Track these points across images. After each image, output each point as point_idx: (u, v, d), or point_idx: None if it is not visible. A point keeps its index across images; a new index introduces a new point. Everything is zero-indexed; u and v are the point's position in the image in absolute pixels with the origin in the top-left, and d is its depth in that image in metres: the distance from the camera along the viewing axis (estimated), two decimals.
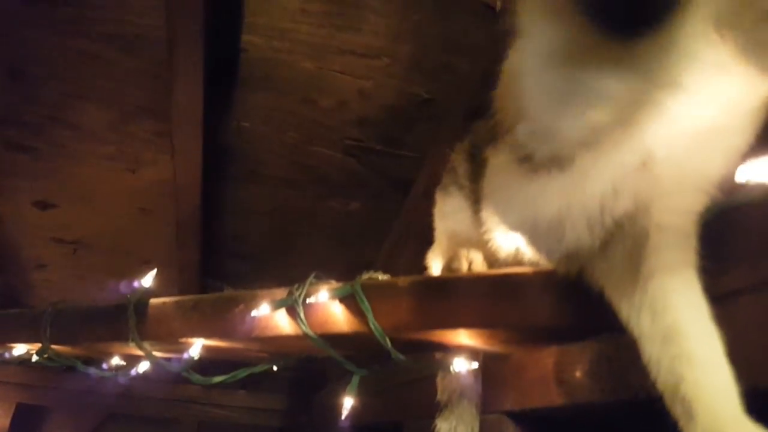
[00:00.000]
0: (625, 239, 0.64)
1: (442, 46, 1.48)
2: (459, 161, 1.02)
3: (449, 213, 1.03)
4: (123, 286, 1.15)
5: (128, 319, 1.11)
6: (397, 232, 1.94)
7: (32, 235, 2.10)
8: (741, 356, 0.55)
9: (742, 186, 0.51)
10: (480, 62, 1.44)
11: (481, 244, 0.94)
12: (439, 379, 1.03)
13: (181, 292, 2.18)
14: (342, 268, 2.17)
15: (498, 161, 0.72)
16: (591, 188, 0.63)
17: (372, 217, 2.01)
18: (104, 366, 1.36)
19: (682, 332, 0.59)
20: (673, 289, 0.61)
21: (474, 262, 0.90)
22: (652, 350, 0.60)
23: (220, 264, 2.27)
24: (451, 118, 1.60)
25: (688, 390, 0.56)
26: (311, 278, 0.98)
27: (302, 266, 2.23)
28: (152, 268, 2.33)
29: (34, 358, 1.27)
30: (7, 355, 1.31)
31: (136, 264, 2.25)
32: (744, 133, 0.58)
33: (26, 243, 2.14)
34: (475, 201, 0.95)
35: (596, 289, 0.68)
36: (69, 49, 1.51)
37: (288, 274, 2.28)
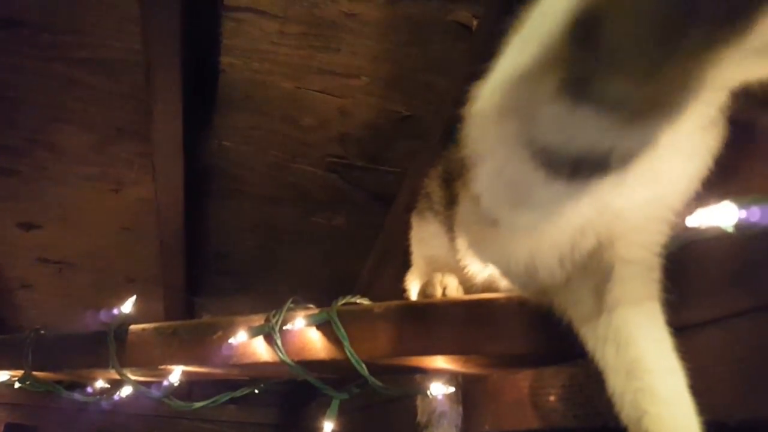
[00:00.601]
0: (591, 273, 0.66)
1: (420, 65, 1.49)
2: (433, 187, 1.03)
3: (425, 238, 1.04)
4: (103, 314, 1.15)
5: (108, 346, 1.12)
6: (381, 245, 1.95)
7: (17, 256, 2.09)
8: (703, 389, 0.56)
9: (695, 229, 0.52)
10: (457, 79, 1.45)
11: (458, 269, 0.95)
12: (418, 401, 1.04)
13: (166, 310, 2.19)
14: (327, 282, 2.20)
15: (468, 198, 0.72)
16: (559, 233, 0.64)
17: (356, 232, 2.02)
18: (88, 390, 1.37)
19: (645, 366, 0.60)
20: (636, 322, 0.62)
21: (449, 287, 0.91)
22: (616, 383, 0.62)
23: (204, 281, 2.27)
24: (430, 134, 1.62)
25: (651, 424, 0.57)
26: (288, 304, 0.99)
27: (287, 281, 2.26)
28: (137, 286, 2.33)
29: (17, 384, 1.27)
30: None
31: (121, 282, 2.25)
32: (698, 167, 0.60)
33: (11, 264, 2.13)
34: (450, 227, 0.97)
35: (565, 320, 0.69)
36: (48, 73, 1.50)
37: (272, 289, 2.30)
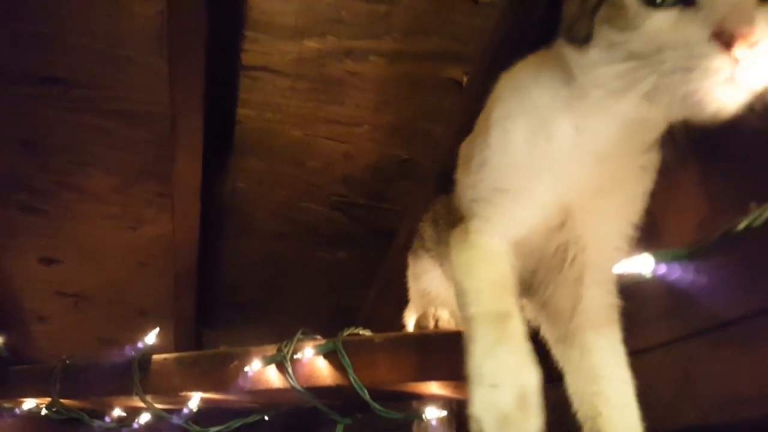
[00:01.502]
0: (566, 297, 0.78)
1: (417, 115, 1.63)
2: (425, 228, 1.16)
3: (419, 274, 1.16)
4: (128, 346, 1.25)
5: (132, 375, 1.22)
6: (383, 278, 2.06)
7: (36, 290, 2.21)
8: (646, 402, 0.68)
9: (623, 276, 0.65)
10: (450, 127, 1.59)
11: (449, 302, 1.07)
12: (414, 426, 1.14)
13: (176, 341, 2.29)
14: (331, 313, 2.31)
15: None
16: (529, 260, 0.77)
17: (358, 265, 2.14)
18: (107, 419, 1.46)
19: (602, 373, 0.71)
20: (599, 334, 0.74)
21: (441, 319, 1.02)
22: (577, 385, 0.74)
23: (214, 313, 2.38)
24: (426, 176, 1.75)
25: (603, 425, 0.68)
26: (298, 335, 1.10)
27: (293, 313, 2.37)
28: (149, 319, 2.43)
29: (44, 411, 1.37)
30: (17, 410, 1.41)
31: (133, 315, 2.36)
32: (640, 200, 0.72)
33: (29, 297, 2.25)
34: (441, 263, 1.09)
35: (540, 330, 0.81)
36: (78, 123, 1.65)
37: (279, 320, 2.41)
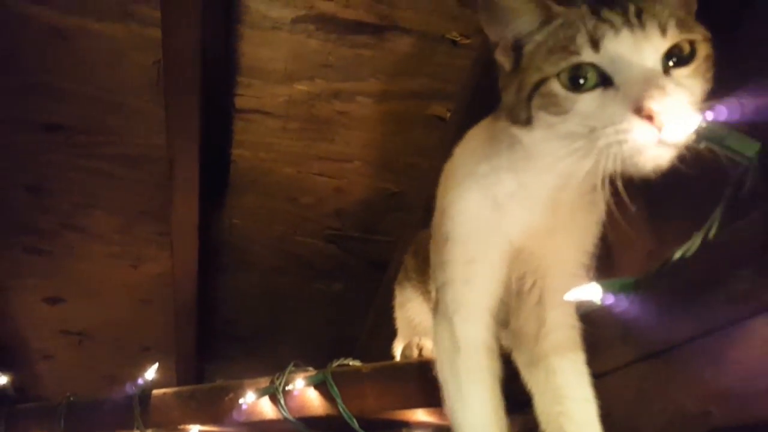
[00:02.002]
0: (529, 320, 0.84)
1: (404, 150, 1.70)
2: (408, 259, 1.22)
3: (404, 303, 1.22)
4: (128, 383, 1.30)
5: (133, 410, 1.27)
6: (378, 308, 2.11)
7: (41, 329, 2.26)
8: (608, 422, 0.73)
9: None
10: (436, 160, 1.66)
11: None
12: None
13: (178, 376, 2.33)
14: (328, 344, 2.35)
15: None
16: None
17: (353, 296, 2.19)
18: None
19: (567, 395, 0.76)
20: (563, 357, 0.80)
21: (425, 348, 1.07)
22: (543, 405, 0.78)
23: (214, 347, 2.42)
24: (416, 207, 1.81)
25: None
26: (290, 367, 1.15)
27: (291, 344, 2.41)
28: (151, 354, 2.46)
29: None
30: None
31: (136, 351, 2.40)
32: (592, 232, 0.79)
33: (35, 336, 2.30)
34: (422, 292, 1.15)
35: (507, 351, 0.86)
36: (81, 167, 1.73)
37: (277, 352, 2.44)
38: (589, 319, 0.76)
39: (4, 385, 1.63)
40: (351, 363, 1.13)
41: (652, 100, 0.57)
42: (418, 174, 1.76)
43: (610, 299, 0.61)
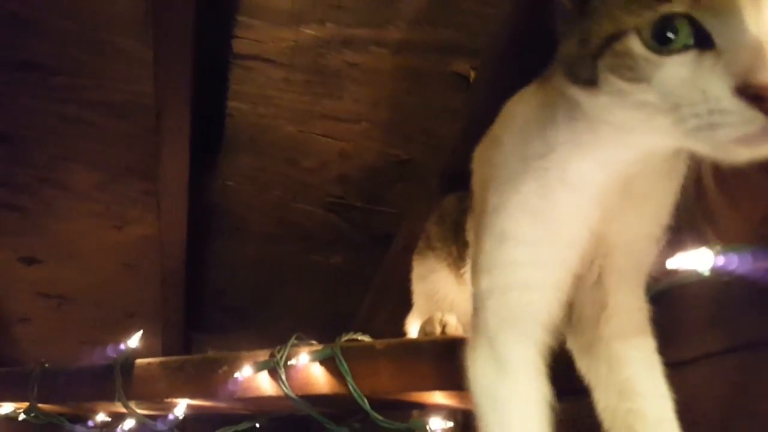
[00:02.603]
0: (591, 305, 0.70)
1: (420, 112, 1.56)
2: (431, 227, 1.09)
3: (425, 275, 1.09)
4: (110, 348, 1.18)
5: (114, 380, 1.14)
6: (379, 284, 1.99)
7: (17, 290, 2.12)
8: (687, 420, 0.61)
9: (675, 272, 0.57)
10: (455, 126, 1.52)
11: (457, 303, 1.00)
12: None
13: (164, 346, 2.20)
14: (324, 319, 2.23)
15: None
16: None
17: (353, 270, 2.06)
18: (90, 423, 1.38)
19: (636, 389, 0.64)
20: (630, 345, 0.67)
21: (448, 325, 0.95)
22: (608, 401, 0.66)
23: (203, 317, 2.30)
24: (428, 177, 1.68)
25: None
26: (293, 340, 1.02)
27: (284, 318, 2.28)
28: (135, 322, 2.34)
29: (21, 416, 1.29)
30: None
31: (120, 317, 2.27)
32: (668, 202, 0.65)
33: (10, 297, 2.16)
34: (448, 263, 1.02)
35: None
36: (60, 114, 1.57)
37: (270, 325, 2.32)
38: (667, 299, 0.64)
39: None
40: (360, 338, 1.01)
41: (765, 76, 0.43)
42: (432, 140, 1.62)
43: (730, 262, 0.48)
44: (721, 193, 0.54)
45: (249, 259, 2.08)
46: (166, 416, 1.14)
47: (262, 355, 1.02)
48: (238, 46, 1.40)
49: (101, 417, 1.35)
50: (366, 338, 1.02)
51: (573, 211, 0.62)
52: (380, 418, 0.92)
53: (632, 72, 0.49)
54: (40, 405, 1.26)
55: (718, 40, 0.46)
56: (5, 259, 1.98)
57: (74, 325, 2.31)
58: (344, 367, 0.92)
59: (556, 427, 0.80)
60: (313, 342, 1.04)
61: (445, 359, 0.89)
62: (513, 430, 0.65)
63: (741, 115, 0.44)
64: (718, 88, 0.45)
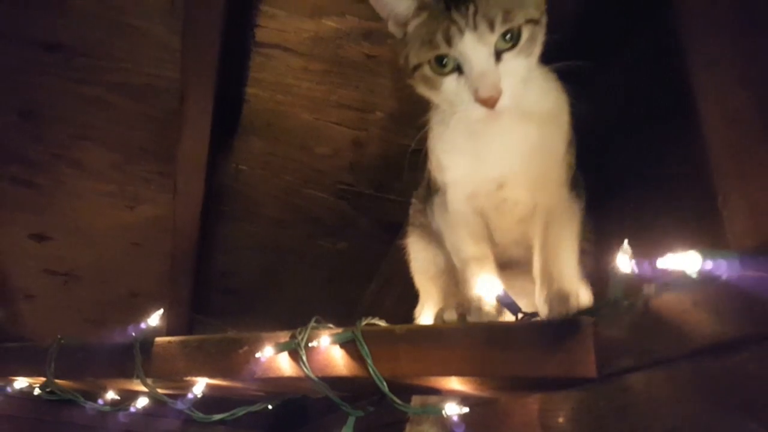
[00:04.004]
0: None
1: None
2: (416, 205, 1.26)
3: (417, 256, 1.21)
4: (130, 328, 1.20)
5: (134, 357, 1.17)
6: (385, 272, 2.03)
7: (24, 266, 2.13)
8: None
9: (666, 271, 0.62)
10: None
11: (450, 269, 1.13)
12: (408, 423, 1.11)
13: (168, 324, 2.23)
14: (327, 305, 2.26)
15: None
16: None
17: (360, 257, 2.10)
18: (100, 402, 1.41)
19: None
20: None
21: (469, 311, 0.99)
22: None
23: (207, 298, 2.32)
24: None
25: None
26: (312, 323, 1.05)
27: (288, 302, 2.32)
28: (139, 301, 2.36)
29: (36, 391, 1.31)
30: (8, 389, 1.35)
31: (124, 296, 2.29)
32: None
33: (17, 273, 2.17)
34: (432, 235, 1.17)
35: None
36: (80, 94, 1.58)
37: (273, 309, 2.35)
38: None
39: None
40: (378, 323, 1.04)
41: (485, 92, 0.82)
42: None
43: (718, 267, 0.52)
44: (733, 179, 0.58)
45: (256, 242, 2.11)
46: (182, 395, 1.16)
47: (283, 337, 1.05)
48: (260, 34, 1.42)
49: (111, 395, 1.36)
50: (383, 323, 1.05)
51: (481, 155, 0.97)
52: (398, 401, 0.96)
53: (430, 84, 0.89)
54: (56, 381, 1.27)
55: (464, 68, 0.84)
56: (16, 235, 2.00)
57: (78, 302, 2.34)
58: (365, 349, 0.94)
59: (576, 414, 0.84)
60: (331, 325, 1.07)
61: (463, 346, 0.92)
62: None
63: (478, 109, 0.84)
64: (467, 98, 0.84)
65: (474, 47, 0.81)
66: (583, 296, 0.91)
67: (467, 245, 1.02)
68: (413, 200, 1.29)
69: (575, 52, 0.90)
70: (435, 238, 1.17)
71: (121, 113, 1.63)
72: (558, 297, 0.89)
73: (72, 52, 1.49)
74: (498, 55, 0.82)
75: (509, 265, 1.07)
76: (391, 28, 0.93)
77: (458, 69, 0.84)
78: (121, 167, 1.78)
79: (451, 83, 0.85)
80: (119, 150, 1.74)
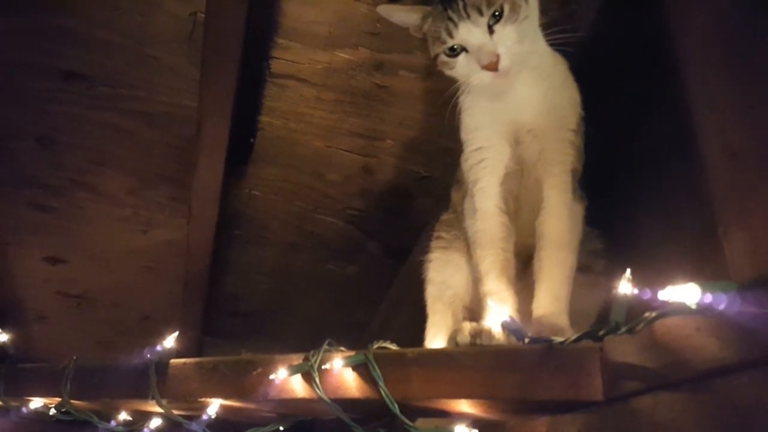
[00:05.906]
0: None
1: (440, 132, 1.64)
2: (440, 222, 1.35)
3: (438, 270, 1.26)
4: (146, 350, 1.23)
5: (149, 378, 1.20)
6: (393, 297, 2.05)
7: (38, 289, 2.17)
8: None
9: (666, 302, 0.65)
10: None
11: (470, 294, 1.19)
12: None
13: (180, 348, 2.24)
14: (333, 329, 2.26)
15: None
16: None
17: (368, 282, 2.12)
18: (113, 423, 1.42)
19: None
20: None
21: (483, 333, 1.01)
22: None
23: (216, 322, 2.35)
24: (446, 193, 1.75)
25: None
26: (325, 345, 1.08)
27: (296, 326, 2.34)
28: (150, 324, 2.37)
29: (52, 411, 1.33)
30: (24, 409, 1.37)
31: (135, 319, 2.32)
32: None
33: (31, 296, 2.20)
34: (458, 246, 1.24)
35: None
36: (98, 121, 1.64)
37: (282, 332, 2.37)
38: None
39: (4, 342, 1.55)
40: (390, 347, 1.07)
41: (485, 59, 1.03)
42: (450, 159, 1.68)
43: (717, 300, 0.55)
44: (734, 208, 0.61)
45: (265, 266, 2.14)
46: (196, 416, 1.18)
47: (296, 359, 1.07)
48: (276, 66, 1.48)
49: (124, 416, 1.38)
50: (394, 346, 1.08)
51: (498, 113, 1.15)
52: (409, 422, 0.97)
53: (449, 66, 1.11)
54: (72, 401, 1.29)
55: (468, 48, 1.06)
56: (31, 259, 2.04)
57: (90, 325, 2.36)
58: (377, 372, 0.97)
59: None
60: (342, 348, 1.09)
61: (474, 369, 0.94)
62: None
63: (486, 74, 1.05)
64: (474, 68, 1.06)
65: (469, 31, 1.03)
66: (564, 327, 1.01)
67: (489, 279, 1.11)
68: (439, 223, 1.37)
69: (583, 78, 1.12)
70: (458, 254, 1.26)
71: (138, 140, 1.68)
72: (539, 324, 1.02)
73: (92, 81, 1.55)
74: (490, 29, 1.03)
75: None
76: (413, 32, 1.17)
77: (465, 49, 1.06)
78: (136, 192, 1.83)
79: (462, 61, 1.07)
80: (135, 175, 1.79)
